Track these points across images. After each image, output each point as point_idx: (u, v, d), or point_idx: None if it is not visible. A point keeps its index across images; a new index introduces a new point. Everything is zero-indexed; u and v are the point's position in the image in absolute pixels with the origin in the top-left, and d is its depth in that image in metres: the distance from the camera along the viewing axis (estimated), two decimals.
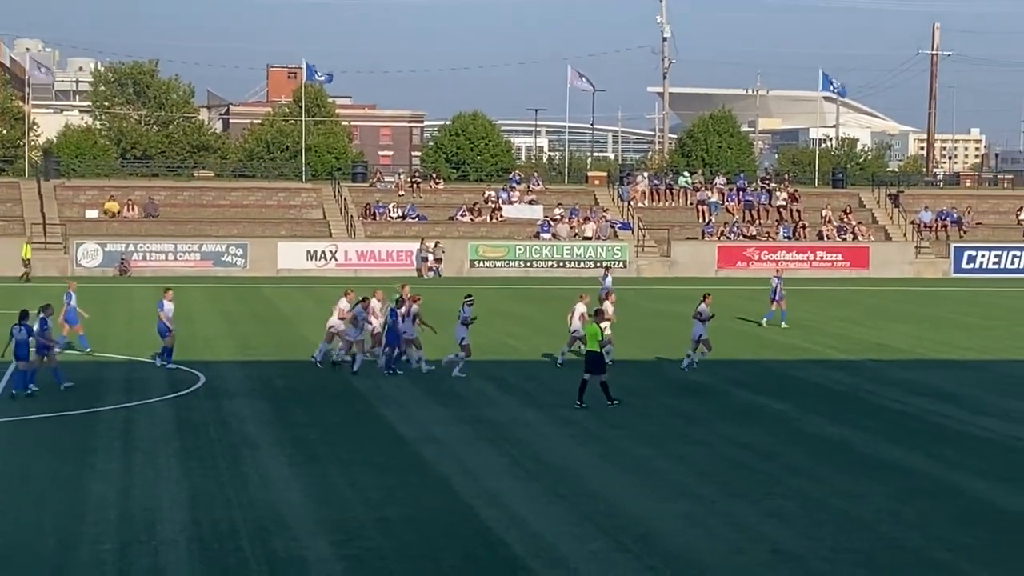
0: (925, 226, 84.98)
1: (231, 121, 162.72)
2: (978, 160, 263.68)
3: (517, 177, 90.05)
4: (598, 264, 77.69)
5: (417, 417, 31.66)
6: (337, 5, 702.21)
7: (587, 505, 23.38)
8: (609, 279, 50.60)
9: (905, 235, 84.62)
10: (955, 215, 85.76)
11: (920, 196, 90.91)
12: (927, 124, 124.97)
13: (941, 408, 33.72)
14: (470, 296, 39.73)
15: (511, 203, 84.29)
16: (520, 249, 78.48)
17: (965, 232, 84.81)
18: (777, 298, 50.60)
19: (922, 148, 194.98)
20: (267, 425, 30.52)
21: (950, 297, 65.51)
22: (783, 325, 50.34)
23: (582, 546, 20.94)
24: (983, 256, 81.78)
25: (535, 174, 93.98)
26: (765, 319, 51.08)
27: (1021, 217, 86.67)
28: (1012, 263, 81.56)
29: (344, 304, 39.43)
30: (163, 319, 39.01)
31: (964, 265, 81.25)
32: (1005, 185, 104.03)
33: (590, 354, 33.31)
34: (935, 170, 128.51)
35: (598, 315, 34.84)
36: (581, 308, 39.68)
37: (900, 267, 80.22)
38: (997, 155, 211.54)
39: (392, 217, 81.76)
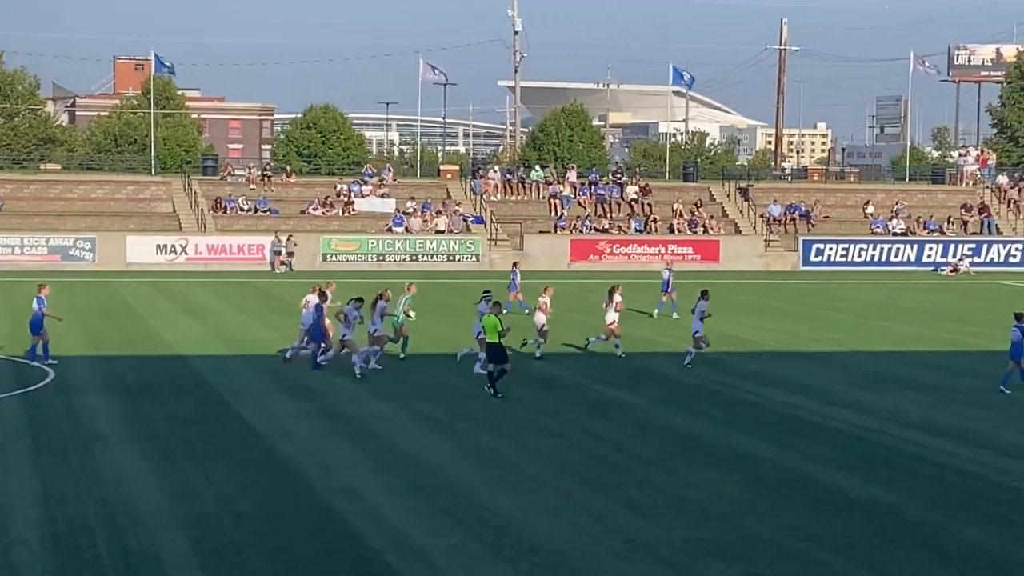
0: (774, 219, 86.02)
1: (78, 114, 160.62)
2: (825, 154, 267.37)
3: (370, 171, 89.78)
4: (450, 258, 77.85)
5: (271, 412, 31.47)
6: None
7: (445, 498, 23.40)
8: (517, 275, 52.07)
9: (755, 228, 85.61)
10: (803, 209, 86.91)
11: (769, 190, 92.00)
12: (775, 119, 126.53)
13: (792, 399, 34.18)
14: (488, 291, 39.23)
15: (363, 197, 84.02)
16: (373, 243, 78.21)
17: (813, 225, 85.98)
18: (668, 290, 51.88)
19: (770, 142, 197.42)
20: (119, 420, 30.17)
21: (799, 289, 66.42)
22: (674, 316, 51.33)
23: (440, 539, 20.95)
24: (831, 249, 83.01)
25: (388, 167, 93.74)
26: (656, 310, 52.40)
27: (868, 210, 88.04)
28: (859, 256, 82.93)
29: (312, 299, 38.97)
30: (41, 313, 38.31)
31: (812, 258, 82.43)
32: (852, 179, 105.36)
33: (491, 345, 33.71)
34: (783, 164, 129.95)
35: (496, 307, 35.16)
36: (545, 300, 41.28)
37: (750, 260, 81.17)
38: (844, 149, 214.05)
39: (243, 211, 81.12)
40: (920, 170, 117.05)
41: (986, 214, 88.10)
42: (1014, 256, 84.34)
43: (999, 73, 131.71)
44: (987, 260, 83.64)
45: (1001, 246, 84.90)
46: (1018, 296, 64.83)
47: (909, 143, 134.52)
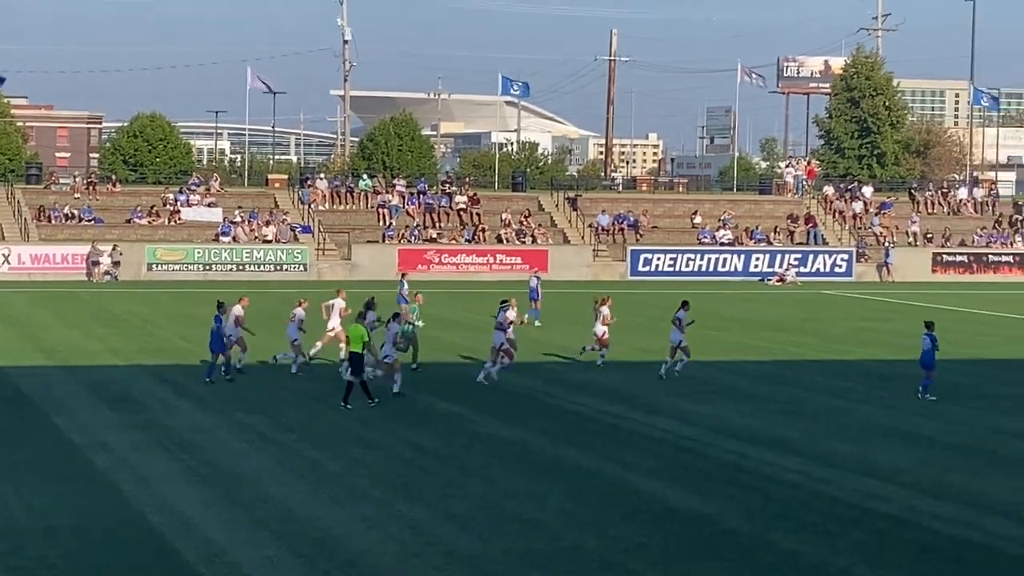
0: (603, 229, 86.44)
1: None
2: (655, 165, 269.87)
3: (197, 180, 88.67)
4: (277, 268, 77.13)
5: (89, 424, 30.83)
6: (14, 1, 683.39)
7: (261, 510, 23.02)
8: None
9: (583, 238, 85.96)
10: (632, 219, 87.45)
11: (598, 200, 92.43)
12: (606, 129, 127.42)
13: (617, 409, 34.20)
14: (506, 301, 39.36)
15: (190, 206, 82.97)
16: (199, 252, 77.26)
17: (641, 235, 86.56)
18: (536, 298, 52.31)
19: (601, 152, 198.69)
20: None
21: (627, 299, 66.65)
22: (536, 324, 51.98)
23: (256, 552, 20.59)
24: (659, 259, 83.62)
25: (215, 176, 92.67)
26: (536, 321, 52.96)
27: (695, 221, 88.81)
28: (687, 266, 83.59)
29: (299, 312, 39.34)
30: None
31: (640, 268, 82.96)
32: (680, 189, 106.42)
33: (353, 355, 33.44)
34: (613, 174, 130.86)
35: (360, 317, 34.81)
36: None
37: (579, 270, 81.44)
38: (673, 160, 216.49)
39: (67, 220, 79.66)
40: (748, 181, 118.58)
41: (812, 224, 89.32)
42: (839, 266, 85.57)
43: (826, 85, 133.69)
44: (813, 270, 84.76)
45: (827, 256, 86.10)
46: (840, 305, 65.82)
47: (737, 154, 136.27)
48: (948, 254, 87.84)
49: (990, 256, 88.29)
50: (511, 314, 39.08)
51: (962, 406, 35.57)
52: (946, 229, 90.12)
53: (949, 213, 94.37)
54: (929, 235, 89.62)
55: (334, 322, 40.83)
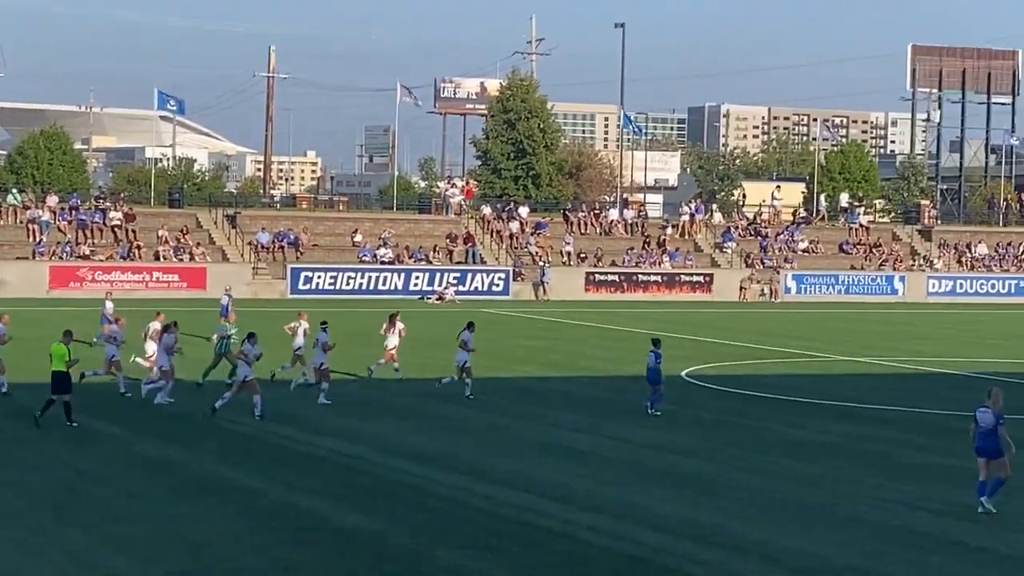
0: (263, 247, 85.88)
1: None
2: (315, 182, 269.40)
3: None
4: None
5: None
6: None
7: None
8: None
9: (243, 256, 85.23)
10: (292, 236, 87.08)
11: (258, 217, 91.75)
12: (264, 146, 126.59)
13: (282, 430, 33.93)
14: (325, 322, 39.38)
15: None
16: None
17: (302, 253, 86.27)
18: (227, 314, 51.56)
19: (259, 169, 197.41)
20: None
21: (286, 318, 66.14)
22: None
23: None
24: (319, 277, 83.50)
25: None
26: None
27: (356, 239, 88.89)
28: (348, 284, 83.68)
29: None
30: None
31: (301, 286, 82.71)
32: (341, 207, 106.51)
33: (56, 374, 32.74)
34: (272, 192, 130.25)
35: (66, 336, 33.90)
36: (304, 325, 41.91)
37: (238, 288, 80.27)
38: (333, 178, 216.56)
39: None
40: (407, 200, 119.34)
41: (471, 244, 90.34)
42: (497, 285, 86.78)
43: (483, 106, 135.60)
44: (472, 288, 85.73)
45: (485, 275, 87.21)
46: (500, 323, 66.54)
47: (396, 173, 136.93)
48: (600, 273, 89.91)
49: (639, 276, 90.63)
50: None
51: (613, 421, 36.42)
52: (598, 249, 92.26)
53: (601, 234, 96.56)
54: (583, 255, 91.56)
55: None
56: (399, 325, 43.50)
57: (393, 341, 43.16)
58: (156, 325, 40.46)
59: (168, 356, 37.41)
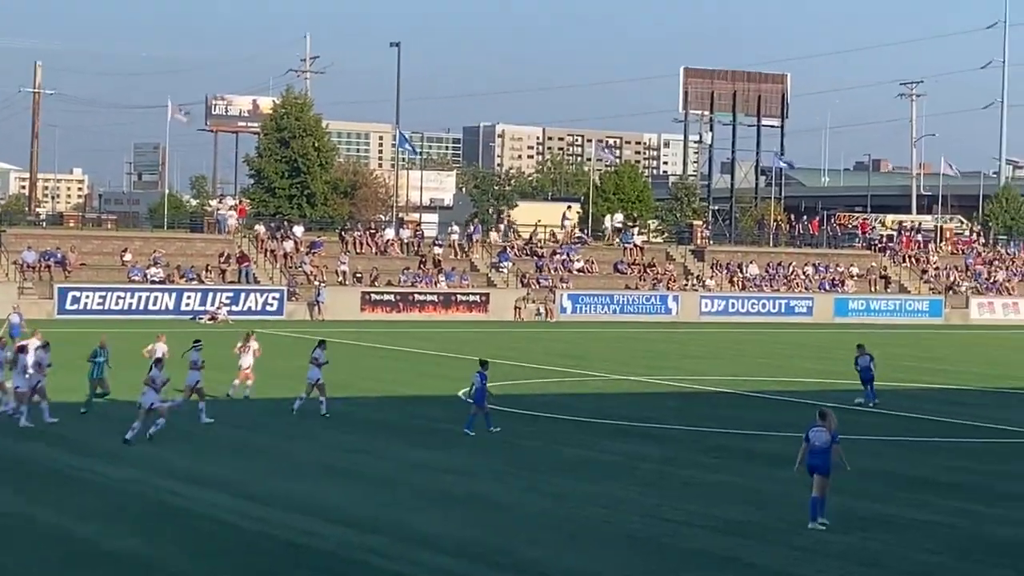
0: (28, 266, 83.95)
1: None
2: (82, 200, 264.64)
3: None
4: None
5: None
6: None
7: None
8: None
9: (7, 275, 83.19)
10: (59, 255, 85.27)
11: (24, 236, 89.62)
12: (30, 162, 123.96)
13: (53, 453, 33.12)
14: (199, 341, 38.97)
15: None
16: None
17: (70, 272, 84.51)
18: (16, 335, 50.94)
19: (24, 187, 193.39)
20: None
21: (53, 338, 64.70)
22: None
23: None
24: (88, 297, 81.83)
25: None
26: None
27: (125, 258, 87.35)
28: (117, 304, 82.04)
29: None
30: None
31: (69, 306, 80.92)
32: (109, 226, 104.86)
33: None
34: (38, 209, 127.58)
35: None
36: (162, 348, 40.47)
37: (4, 307, 78.49)
38: (101, 195, 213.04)
39: None
40: (179, 218, 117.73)
41: (244, 263, 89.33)
42: (271, 304, 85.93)
43: (256, 124, 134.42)
44: (245, 308, 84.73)
45: (259, 294, 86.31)
46: (274, 343, 65.90)
47: (167, 191, 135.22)
48: (376, 293, 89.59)
49: (416, 295, 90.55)
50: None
51: (395, 442, 36.26)
52: (374, 269, 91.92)
53: (377, 253, 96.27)
54: (358, 274, 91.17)
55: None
56: (253, 344, 43.25)
57: (248, 360, 42.78)
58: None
59: None
